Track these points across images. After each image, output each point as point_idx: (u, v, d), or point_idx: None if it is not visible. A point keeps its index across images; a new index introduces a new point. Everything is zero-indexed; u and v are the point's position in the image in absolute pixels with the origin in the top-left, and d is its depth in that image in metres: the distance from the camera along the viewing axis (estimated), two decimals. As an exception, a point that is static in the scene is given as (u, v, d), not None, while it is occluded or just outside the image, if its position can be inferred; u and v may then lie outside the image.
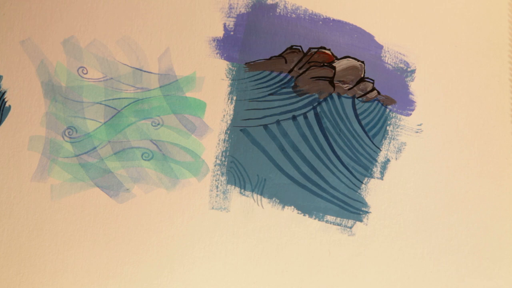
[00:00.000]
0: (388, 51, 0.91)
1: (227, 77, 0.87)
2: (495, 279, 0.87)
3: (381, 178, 0.88)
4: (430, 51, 0.92)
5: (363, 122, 0.89)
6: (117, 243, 0.82)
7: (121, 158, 0.84)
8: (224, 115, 0.87)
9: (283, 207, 0.86)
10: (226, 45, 0.88)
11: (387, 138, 0.89)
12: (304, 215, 0.86)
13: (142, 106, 0.86)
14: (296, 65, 0.89)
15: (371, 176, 0.88)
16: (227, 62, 0.88)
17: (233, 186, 0.85)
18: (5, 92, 0.84)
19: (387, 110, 0.90)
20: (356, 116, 0.89)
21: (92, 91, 0.85)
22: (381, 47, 0.91)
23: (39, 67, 0.85)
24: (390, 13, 0.92)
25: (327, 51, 0.90)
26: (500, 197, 0.90)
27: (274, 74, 0.89)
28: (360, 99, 0.90)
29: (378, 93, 0.90)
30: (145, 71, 0.86)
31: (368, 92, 0.90)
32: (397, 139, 0.90)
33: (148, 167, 0.85)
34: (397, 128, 0.90)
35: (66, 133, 0.84)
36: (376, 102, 0.90)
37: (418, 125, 0.90)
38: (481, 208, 0.89)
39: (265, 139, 0.87)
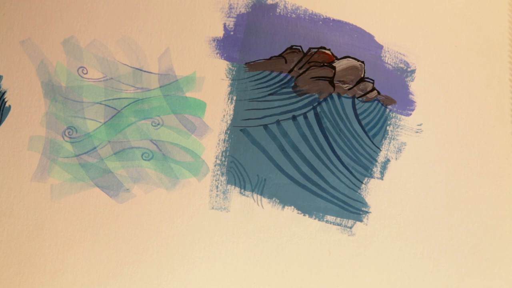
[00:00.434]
0: (388, 51, 0.91)
1: (227, 77, 0.87)
2: (495, 279, 0.87)
3: (381, 178, 0.88)
4: (430, 51, 0.92)
5: (363, 122, 0.89)
6: (117, 243, 0.82)
7: (121, 158, 0.84)
8: (224, 115, 0.87)
9: (283, 207, 0.86)
10: (226, 45, 0.88)
11: (387, 138, 0.89)
12: (304, 215, 0.86)
13: (142, 106, 0.86)
14: (296, 65, 0.89)
15: (371, 176, 0.88)
16: (227, 62, 0.88)
17: (233, 186, 0.85)
18: (5, 92, 0.84)
19: (387, 110, 0.90)
20: (356, 116, 0.89)
21: (92, 91, 0.85)
22: (381, 47, 0.91)
23: (39, 67, 0.85)
24: (390, 13, 0.92)
25: (327, 51, 0.90)
26: (500, 197, 0.90)
27: (274, 74, 0.89)
28: (360, 99, 0.90)
29: (378, 93, 0.90)
30: (145, 71, 0.86)
31: (368, 92, 0.90)
32: (397, 139, 0.90)
33: (148, 167, 0.85)
34: (397, 128, 0.90)
35: (66, 133, 0.84)
36: (376, 102, 0.90)
37: (418, 125, 0.90)
38: (481, 208, 0.89)
39: (265, 139, 0.87)
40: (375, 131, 0.89)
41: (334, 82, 0.90)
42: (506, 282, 0.88)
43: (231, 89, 0.87)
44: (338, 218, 0.86)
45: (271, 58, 0.89)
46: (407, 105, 0.91)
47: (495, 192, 0.90)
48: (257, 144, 0.87)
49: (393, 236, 0.87)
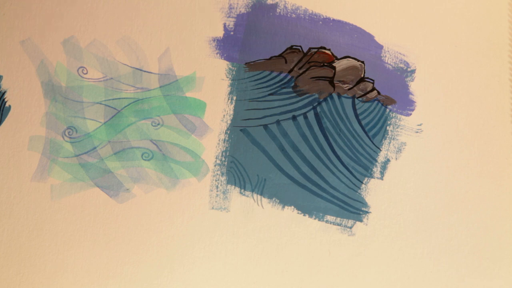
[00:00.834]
0: (388, 51, 0.91)
1: (227, 77, 0.87)
2: (495, 279, 0.87)
3: (381, 178, 0.88)
4: (430, 51, 0.92)
5: (363, 122, 0.89)
6: (117, 243, 0.82)
7: (121, 158, 0.84)
8: (224, 115, 0.87)
9: (283, 207, 0.86)
10: (226, 45, 0.88)
11: (387, 138, 0.89)
12: (304, 215, 0.86)
13: (142, 106, 0.86)
14: (296, 65, 0.89)
15: (371, 176, 0.88)
16: (227, 62, 0.88)
17: (233, 186, 0.85)
18: (5, 92, 0.84)
19: (387, 110, 0.90)
20: (356, 116, 0.89)
21: (92, 91, 0.85)
22: (381, 47, 0.91)
23: (39, 67, 0.85)
24: (390, 13, 0.92)
25: (327, 51, 0.90)
26: (500, 197, 0.90)
27: (274, 74, 0.89)
28: (360, 99, 0.90)
29: (378, 93, 0.90)
30: (145, 71, 0.86)
31: (368, 92, 0.90)
32: (397, 139, 0.90)
33: (148, 167, 0.85)
34: (397, 128, 0.90)
35: (66, 133, 0.84)
36: (376, 102, 0.90)
37: (418, 125, 0.90)
38: (481, 208, 0.89)
39: (265, 139, 0.87)
40: (375, 131, 0.89)
41: (334, 82, 0.90)
42: (506, 282, 0.88)
43: (231, 89, 0.87)
44: (338, 218, 0.86)
45: (271, 58, 0.89)
46: (407, 105, 0.91)
47: (495, 192, 0.90)
48: (257, 144, 0.87)
49: (393, 236, 0.87)
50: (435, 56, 0.92)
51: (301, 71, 0.89)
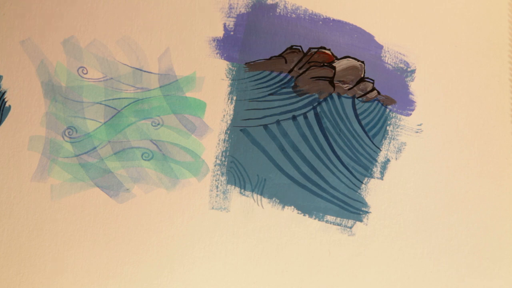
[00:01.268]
0: (388, 51, 0.91)
1: (227, 77, 0.87)
2: (495, 279, 0.87)
3: (381, 178, 0.88)
4: (430, 51, 0.92)
5: (363, 122, 0.89)
6: (117, 243, 0.82)
7: (121, 158, 0.84)
8: (224, 115, 0.87)
9: (283, 207, 0.86)
10: (226, 45, 0.88)
11: (387, 138, 0.89)
12: (304, 215, 0.86)
13: (142, 106, 0.86)
14: (296, 65, 0.89)
15: (371, 176, 0.88)
16: (227, 62, 0.88)
17: (233, 186, 0.85)
18: (5, 92, 0.84)
19: (387, 110, 0.90)
20: (356, 116, 0.89)
21: (92, 91, 0.85)
22: (381, 47, 0.91)
23: (39, 67, 0.85)
24: (390, 13, 0.92)
25: (327, 51, 0.90)
26: (500, 197, 0.90)
27: (274, 74, 0.89)
28: (360, 99, 0.90)
29: (378, 93, 0.90)
30: (145, 71, 0.86)
31: (368, 92, 0.90)
32: (397, 139, 0.90)
33: (148, 167, 0.85)
34: (397, 128, 0.90)
35: (66, 133, 0.84)
36: (376, 102, 0.90)
37: (418, 125, 0.90)
38: (481, 208, 0.89)
39: (265, 139, 0.87)
40: (375, 131, 0.89)
41: (334, 82, 0.90)
42: (506, 282, 0.88)
43: (231, 89, 0.87)
44: (338, 218, 0.86)
45: (271, 58, 0.89)
46: (407, 105, 0.91)
47: (495, 192, 0.90)
48: (257, 144, 0.87)
49: (393, 236, 0.87)
50: (435, 56, 0.92)
51: (301, 71, 0.89)
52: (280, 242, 0.85)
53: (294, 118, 0.88)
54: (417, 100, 0.91)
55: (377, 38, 0.91)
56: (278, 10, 0.90)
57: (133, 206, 0.83)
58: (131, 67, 0.86)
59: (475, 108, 0.92)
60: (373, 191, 0.88)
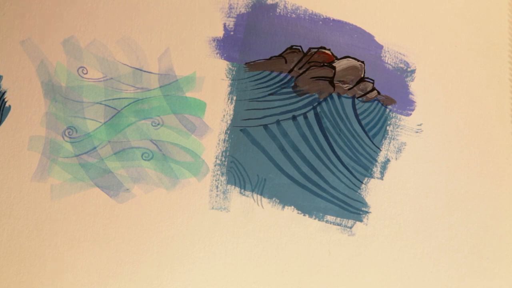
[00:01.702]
0: (388, 51, 0.91)
1: (227, 77, 0.87)
2: (495, 279, 0.87)
3: (381, 178, 0.88)
4: (430, 51, 0.92)
5: (363, 122, 0.89)
6: (117, 243, 0.82)
7: (121, 158, 0.84)
8: (224, 115, 0.87)
9: (283, 207, 0.86)
10: (226, 45, 0.88)
11: (387, 138, 0.89)
12: (304, 215, 0.86)
13: (142, 106, 0.86)
14: (296, 65, 0.89)
15: (371, 176, 0.88)
16: (227, 62, 0.88)
17: (233, 186, 0.85)
18: (5, 92, 0.84)
19: (387, 110, 0.90)
20: (356, 116, 0.89)
21: (92, 91, 0.85)
22: (381, 47, 0.91)
23: (39, 67, 0.85)
24: (390, 13, 0.92)
25: (327, 51, 0.90)
26: (500, 197, 0.90)
27: (274, 74, 0.89)
28: (360, 99, 0.90)
29: (378, 93, 0.90)
30: (145, 71, 0.86)
31: (368, 92, 0.90)
32: (397, 139, 0.90)
33: (148, 167, 0.85)
34: (397, 128, 0.90)
35: (66, 133, 0.84)
36: (376, 102, 0.90)
37: (418, 125, 0.90)
38: (481, 208, 0.89)
39: (265, 139, 0.87)
40: (375, 131, 0.89)
41: (334, 82, 0.90)
42: (506, 282, 0.88)
43: (231, 89, 0.87)
44: (338, 218, 0.86)
45: (271, 58, 0.89)
46: (407, 105, 0.91)
47: (495, 192, 0.90)
48: (257, 144, 0.87)
49: (393, 236, 0.87)
50: (435, 56, 0.92)
51: (301, 71, 0.89)
52: (280, 242, 0.85)
53: (294, 118, 0.88)
54: (417, 100, 0.91)
55: (377, 38, 0.91)
56: (278, 10, 0.90)
57: (133, 206, 0.83)
58: (131, 67, 0.86)
59: (475, 108, 0.92)
60: (373, 191, 0.88)
